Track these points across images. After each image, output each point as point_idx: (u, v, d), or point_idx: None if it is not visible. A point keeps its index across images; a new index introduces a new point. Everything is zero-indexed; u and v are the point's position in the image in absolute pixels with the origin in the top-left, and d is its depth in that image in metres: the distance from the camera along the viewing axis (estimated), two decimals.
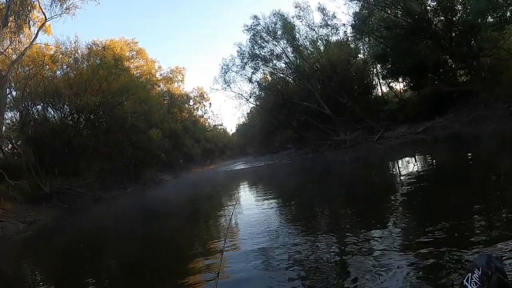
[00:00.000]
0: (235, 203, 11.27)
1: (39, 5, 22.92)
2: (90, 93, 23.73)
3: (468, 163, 9.65)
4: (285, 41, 31.60)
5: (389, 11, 23.48)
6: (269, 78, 37.12)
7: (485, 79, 19.86)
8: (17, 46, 23.03)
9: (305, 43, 32.09)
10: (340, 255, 4.33)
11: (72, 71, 26.78)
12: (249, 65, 33.57)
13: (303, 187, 12.60)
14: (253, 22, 31.50)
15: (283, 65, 33.58)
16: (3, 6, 20.49)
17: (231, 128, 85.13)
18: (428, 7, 21.64)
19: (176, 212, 13.16)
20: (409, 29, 21.98)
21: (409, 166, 11.51)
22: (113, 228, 11.84)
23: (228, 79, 35.34)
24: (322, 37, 31.59)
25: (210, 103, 66.52)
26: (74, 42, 28.23)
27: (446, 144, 15.73)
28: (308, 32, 31.59)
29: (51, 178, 20.83)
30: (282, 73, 34.84)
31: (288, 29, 30.71)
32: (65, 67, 27.14)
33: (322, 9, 30.06)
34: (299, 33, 31.40)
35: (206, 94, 63.74)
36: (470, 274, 1.96)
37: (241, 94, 36.10)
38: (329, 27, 30.49)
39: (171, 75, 56.13)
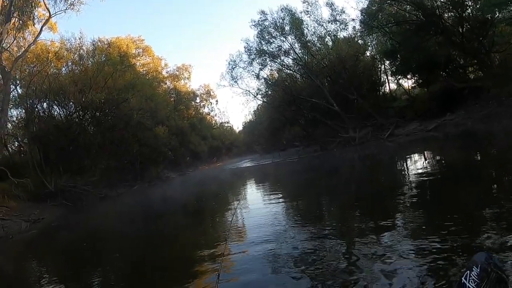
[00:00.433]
0: (239, 201, 11.11)
1: (44, 1, 22.76)
2: (95, 90, 23.52)
3: (485, 161, 9.24)
4: (293, 37, 31.21)
5: (398, 6, 22.96)
6: (276, 75, 36.71)
7: (496, 74, 19.43)
8: (21, 44, 22.91)
9: (313, 39, 31.69)
10: (348, 254, 4.27)
11: (77, 68, 26.60)
12: (257, 61, 33.25)
13: (311, 185, 12.35)
14: (260, 18, 31.24)
15: (291, 61, 33.15)
16: (6, 2, 20.28)
17: (237, 126, 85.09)
18: (439, 2, 21.13)
19: (181, 210, 12.97)
20: (419, 24, 21.68)
21: (421, 164, 11.14)
22: (117, 227, 11.67)
23: (235, 75, 35.08)
24: (330, 32, 31.25)
25: (216, 101, 66.66)
26: (79, 39, 28.19)
27: (460, 141, 15.21)
28: (316, 28, 31.20)
29: (56, 176, 20.62)
30: (290, 69, 34.37)
31: (296, 24, 30.26)
32: (69, 63, 27.00)
33: (330, 4, 29.77)
34: (307, 28, 31.02)
35: (213, 92, 63.77)
36: (468, 271, 1.93)
37: (249, 91, 35.73)
38: (337, 22, 30.15)
39: (177, 73, 56.24)
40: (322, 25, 30.88)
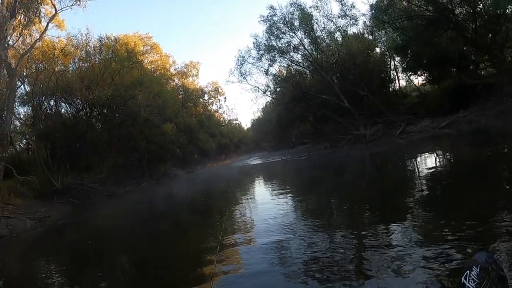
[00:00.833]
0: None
1: None
2: (102, 87, 23.39)
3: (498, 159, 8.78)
4: (302, 32, 30.64)
5: (409, 1, 22.44)
6: (285, 72, 36.24)
7: (509, 70, 18.97)
8: (28, 41, 22.79)
9: (323, 35, 31.17)
10: (357, 251, 4.32)
11: (84, 64, 26.48)
12: (266, 57, 32.59)
13: (320, 182, 12.27)
14: (269, 13, 30.65)
15: (300, 57, 32.62)
16: None
17: (246, 123, 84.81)
18: None
19: (188, 208, 12.85)
20: (431, 19, 21.14)
21: (433, 162, 10.86)
22: (123, 225, 11.61)
23: (244, 71, 34.37)
24: (340, 28, 30.74)
25: (225, 98, 66.35)
26: (86, 35, 28.00)
27: (473, 138, 14.77)
28: (326, 23, 30.65)
29: (63, 173, 20.56)
30: (299, 66, 33.86)
31: (306, 19, 29.73)
32: (76, 60, 26.90)
33: None
34: (316, 23, 30.47)
35: (221, 89, 63.47)
36: (468, 271, 1.94)
37: (257, 87, 35.21)
38: (347, 17, 29.57)
39: (185, 70, 56.09)
40: (332, 20, 30.37)
